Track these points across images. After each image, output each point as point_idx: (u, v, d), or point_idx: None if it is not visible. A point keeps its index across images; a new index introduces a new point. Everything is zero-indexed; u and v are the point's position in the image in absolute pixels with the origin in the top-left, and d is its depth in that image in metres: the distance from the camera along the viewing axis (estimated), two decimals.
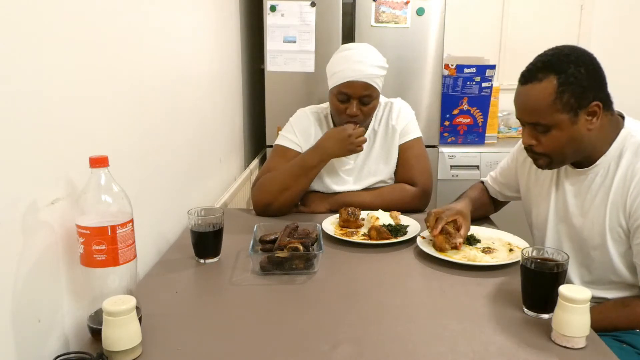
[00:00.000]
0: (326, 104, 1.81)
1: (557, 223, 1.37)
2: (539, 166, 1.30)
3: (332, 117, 1.76)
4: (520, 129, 3.28)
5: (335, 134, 1.62)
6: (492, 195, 1.65)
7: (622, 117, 1.28)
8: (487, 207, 1.65)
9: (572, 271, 1.34)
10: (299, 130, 1.74)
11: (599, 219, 1.25)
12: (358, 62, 1.57)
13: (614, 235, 1.24)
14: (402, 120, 1.73)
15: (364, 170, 1.74)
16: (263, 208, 1.65)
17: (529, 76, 1.21)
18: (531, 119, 1.22)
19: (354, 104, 1.60)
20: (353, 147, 1.60)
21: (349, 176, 1.74)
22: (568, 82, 1.16)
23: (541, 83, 1.18)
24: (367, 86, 1.59)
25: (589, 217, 1.28)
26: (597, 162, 1.26)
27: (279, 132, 1.79)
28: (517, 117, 1.27)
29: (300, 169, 1.62)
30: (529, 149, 1.27)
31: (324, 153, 1.61)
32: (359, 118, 1.63)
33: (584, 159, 1.28)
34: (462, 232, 1.35)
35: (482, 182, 1.70)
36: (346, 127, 1.61)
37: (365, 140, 1.62)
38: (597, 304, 1.26)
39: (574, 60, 1.18)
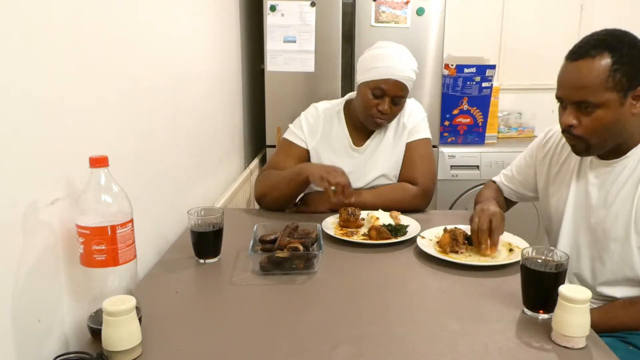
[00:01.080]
0: (340, 100, 1.82)
1: (576, 216, 1.36)
2: (577, 152, 1.28)
3: (348, 111, 1.77)
4: (520, 129, 3.29)
5: (328, 165, 1.63)
6: (507, 196, 1.65)
7: None
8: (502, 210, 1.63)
9: (585, 265, 1.34)
10: (307, 126, 1.76)
11: (625, 210, 1.25)
12: (400, 62, 1.60)
13: (638, 227, 1.24)
14: (413, 119, 1.75)
15: (368, 163, 1.74)
16: (259, 198, 1.74)
17: (580, 52, 1.19)
18: (579, 97, 1.19)
19: (386, 101, 1.61)
20: (324, 181, 1.51)
21: (352, 167, 1.74)
22: (622, 61, 1.15)
23: (594, 59, 1.17)
24: (403, 87, 1.62)
25: (614, 208, 1.27)
26: (628, 154, 1.26)
27: (289, 125, 1.81)
28: (560, 96, 1.24)
29: (287, 174, 1.65)
30: (567, 130, 1.25)
31: (304, 167, 1.61)
32: (387, 116, 1.65)
33: (614, 149, 1.27)
34: (495, 236, 1.31)
35: (494, 182, 1.69)
36: (341, 173, 1.54)
37: (332, 193, 1.50)
38: (606, 302, 1.27)
39: (628, 41, 1.18)
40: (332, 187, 1.50)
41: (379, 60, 1.61)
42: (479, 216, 1.34)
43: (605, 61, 1.16)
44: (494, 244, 1.31)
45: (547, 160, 1.47)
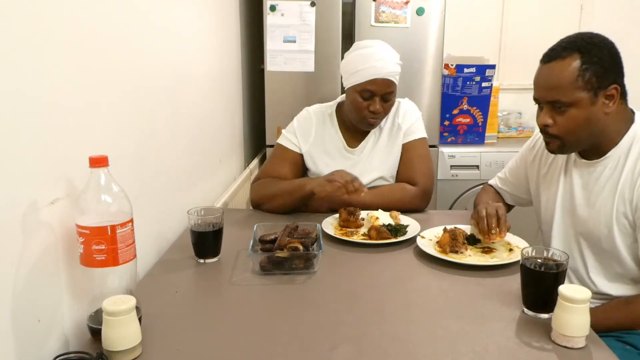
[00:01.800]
0: (333, 102, 1.82)
1: (564, 215, 1.38)
2: (551, 150, 1.32)
3: (340, 113, 1.77)
4: (520, 129, 3.30)
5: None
6: (504, 199, 1.67)
7: (634, 113, 1.30)
8: None
9: (579, 264, 1.36)
10: (300, 130, 1.76)
11: (607, 210, 1.27)
12: (382, 60, 1.59)
13: (620, 227, 1.26)
14: (408, 119, 1.74)
15: (365, 165, 1.74)
16: (256, 206, 1.74)
17: (552, 55, 1.24)
18: (551, 97, 1.23)
19: (376, 101, 1.61)
20: (332, 182, 1.50)
21: (347, 170, 1.74)
22: (591, 62, 1.19)
23: (565, 60, 1.21)
24: (391, 83, 1.61)
25: (596, 208, 1.29)
26: (608, 154, 1.28)
27: (282, 130, 1.80)
28: (536, 97, 1.28)
29: (289, 187, 1.65)
30: (543, 130, 1.28)
31: (307, 182, 1.61)
32: (380, 115, 1.65)
33: (595, 148, 1.29)
34: (504, 227, 1.35)
35: (491, 186, 1.71)
36: (345, 172, 1.53)
37: (342, 192, 1.48)
38: (602, 300, 1.28)
39: (598, 42, 1.22)
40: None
41: (361, 62, 1.60)
42: (485, 206, 1.38)
43: (575, 61, 1.20)
44: (503, 230, 1.34)
45: (536, 162, 1.50)
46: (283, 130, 1.80)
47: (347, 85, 1.66)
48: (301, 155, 1.77)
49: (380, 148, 1.75)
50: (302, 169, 1.79)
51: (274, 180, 1.72)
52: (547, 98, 1.25)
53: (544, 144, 1.45)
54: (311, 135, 1.76)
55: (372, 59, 1.59)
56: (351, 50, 1.68)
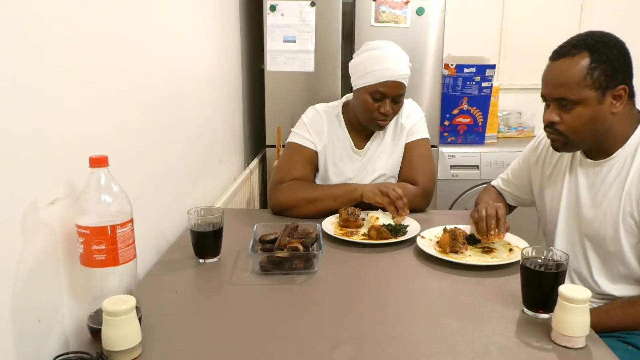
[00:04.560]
0: (337, 102, 1.81)
1: (568, 215, 1.38)
2: (555, 147, 1.32)
3: (346, 114, 1.76)
4: (520, 129, 3.30)
5: (378, 183, 1.67)
6: (506, 200, 1.67)
7: None
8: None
9: (582, 264, 1.36)
10: (313, 128, 1.73)
11: (613, 210, 1.27)
12: (395, 62, 1.59)
13: (627, 227, 1.26)
14: (411, 119, 1.74)
15: (368, 165, 1.75)
16: (285, 208, 1.65)
17: (562, 52, 1.24)
18: (559, 94, 1.23)
19: (387, 103, 1.61)
20: (384, 196, 1.53)
21: (354, 172, 1.75)
22: (600, 60, 1.19)
23: (574, 58, 1.21)
24: (402, 86, 1.61)
25: (602, 208, 1.29)
26: (614, 155, 1.28)
27: (292, 130, 1.78)
28: (543, 94, 1.28)
29: (335, 191, 1.63)
30: (549, 126, 1.28)
31: (357, 187, 1.62)
32: (390, 117, 1.65)
33: (601, 148, 1.29)
34: (503, 228, 1.35)
35: (493, 187, 1.71)
36: (397, 187, 1.57)
37: (392, 210, 1.53)
38: (606, 301, 1.28)
39: (608, 42, 1.22)
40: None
41: (374, 64, 1.59)
42: (485, 206, 1.38)
43: (584, 60, 1.20)
44: (502, 231, 1.34)
45: (539, 163, 1.50)
46: (294, 129, 1.77)
47: (357, 85, 1.64)
48: (316, 154, 1.73)
49: (384, 148, 1.75)
50: (316, 169, 1.77)
51: (306, 183, 1.69)
52: (554, 95, 1.25)
53: (547, 144, 1.46)
54: (324, 134, 1.73)
55: (385, 60, 1.58)
56: (362, 50, 1.66)
